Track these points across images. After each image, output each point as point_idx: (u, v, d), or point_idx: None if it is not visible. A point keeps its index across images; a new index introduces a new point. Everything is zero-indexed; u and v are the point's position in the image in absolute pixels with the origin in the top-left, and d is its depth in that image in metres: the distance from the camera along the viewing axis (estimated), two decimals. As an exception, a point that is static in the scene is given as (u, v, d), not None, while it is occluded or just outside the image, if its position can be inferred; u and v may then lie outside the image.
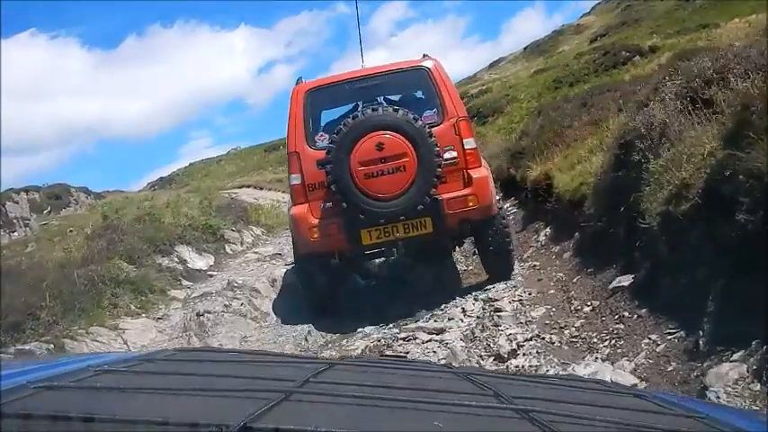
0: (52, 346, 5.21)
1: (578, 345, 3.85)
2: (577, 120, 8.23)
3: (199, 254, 8.80)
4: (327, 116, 5.95)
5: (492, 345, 4.12)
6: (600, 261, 4.93)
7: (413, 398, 0.78)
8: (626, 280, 4.23)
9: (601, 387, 1.15)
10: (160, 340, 5.81)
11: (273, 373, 0.96)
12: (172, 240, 8.49)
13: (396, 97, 5.91)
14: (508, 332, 4.26)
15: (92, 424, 0.60)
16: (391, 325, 5.15)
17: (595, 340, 3.80)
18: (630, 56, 19.65)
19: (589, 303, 4.43)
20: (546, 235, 6.72)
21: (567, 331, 4.11)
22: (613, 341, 3.65)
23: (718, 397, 2.42)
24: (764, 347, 2.54)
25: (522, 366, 3.68)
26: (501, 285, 5.51)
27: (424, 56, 5.64)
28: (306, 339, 5.27)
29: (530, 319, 4.53)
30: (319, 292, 5.54)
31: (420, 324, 4.92)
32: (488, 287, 5.53)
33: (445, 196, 5.11)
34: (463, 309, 5.07)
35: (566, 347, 3.88)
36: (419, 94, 5.76)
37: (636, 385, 2.90)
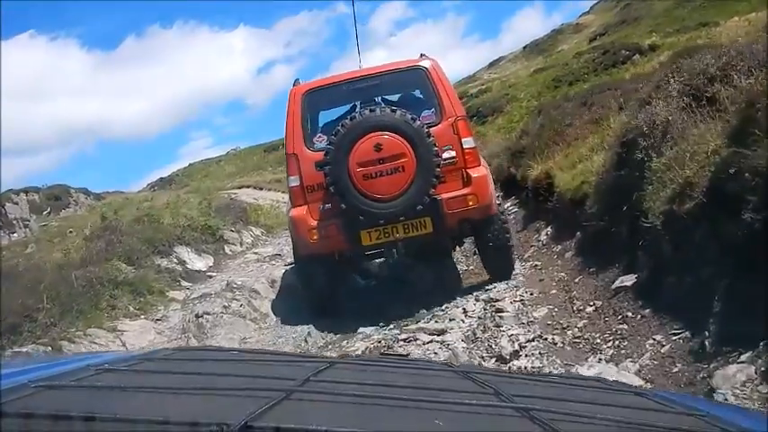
0: (49, 348, 5.17)
1: (581, 346, 3.80)
2: (578, 118, 8.19)
3: (198, 255, 8.76)
4: (325, 117, 5.94)
5: (494, 346, 4.07)
6: (602, 260, 4.88)
7: (413, 396, 0.78)
8: (629, 280, 4.18)
9: (601, 385, 1.14)
10: (159, 342, 5.76)
11: (274, 371, 0.96)
12: (171, 241, 8.47)
13: (394, 97, 5.89)
14: (510, 333, 4.22)
15: (93, 423, 0.60)
16: (392, 326, 5.11)
17: (599, 341, 3.75)
18: (630, 54, 19.56)
19: (592, 303, 4.38)
20: (547, 234, 6.67)
21: (569, 332, 4.06)
22: (617, 342, 3.60)
23: (725, 399, 2.37)
24: (772, 348, 2.49)
25: (525, 368, 3.63)
26: (502, 285, 5.46)
27: (422, 55, 5.61)
28: (305, 341, 5.23)
29: (532, 319, 4.49)
30: (319, 292, 5.51)
31: (421, 325, 4.88)
32: (489, 287, 5.48)
33: (444, 196, 5.08)
34: (464, 309, 5.02)
35: (568, 348, 3.83)
36: (417, 93, 5.74)
37: (640, 387, 2.85)
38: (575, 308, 4.47)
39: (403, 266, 6.48)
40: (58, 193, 31.25)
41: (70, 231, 10.46)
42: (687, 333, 3.17)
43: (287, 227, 7.08)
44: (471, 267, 6.51)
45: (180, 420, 0.62)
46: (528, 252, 6.63)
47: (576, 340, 3.90)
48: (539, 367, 3.61)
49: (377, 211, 4.92)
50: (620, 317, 3.90)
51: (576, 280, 5.05)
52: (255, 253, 9.25)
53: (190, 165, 44.23)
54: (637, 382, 2.96)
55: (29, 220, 26.60)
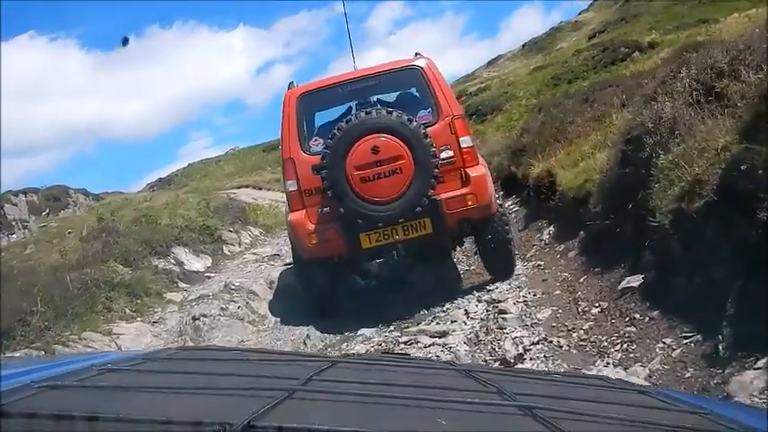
0: (43, 352, 5.07)
1: (588, 349, 3.69)
2: (580, 116, 8.07)
3: (196, 255, 8.67)
4: (321, 120, 5.88)
5: (497, 349, 3.98)
6: (607, 260, 4.78)
7: (416, 395, 0.78)
8: (635, 280, 4.07)
9: (604, 383, 1.14)
10: (155, 345, 5.66)
11: (276, 371, 0.96)
12: (168, 242, 8.37)
13: (390, 98, 5.83)
14: (514, 335, 4.12)
15: (96, 423, 0.61)
16: (392, 327, 5.02)
17: (606, 344, 3.64)
18: (629, 52, 19.47)
19: (597, 305, 4.27)
20: (549, 233, 6.56)
21: (575, 334, 3.95)
22: (625, 345, 3.49)
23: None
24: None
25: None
26: (504, 286, 5.37)
27: (417, 54, 5.54)
28: (304, 343, 5.14)
29: (536, 321, 4.39)
30: (319, 292, 5.46)
31: (422, 327, 4.78)
32: (491, 288, 5.39)
33: (443, 196, 5.04)
34: (466, 311, 4.93)
35: (574, 351, 3.73)
36: (413, 93, 5.68)
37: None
38: (580, 309, 4.36)
39: (403, 266, 6.40)
40: (57, 193, 31.17)
41: (69, 232, 10.35)
42: (699, 336, 3.06)
43: (285, 227, 7.00)
44: (473, 267, 6.41)
45: (183, 420, 0.62)
46: (530, 252, 6.52)
47: (582, 343, 3.79)
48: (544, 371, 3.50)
49: (375, 214, 4.89)
50: (627, 319, 3.79)
51: (581, 280, 4.94)
52: (254, 253, 9.16)
53: (189, 165, 44.13)
54: (647, 387, 2.86)
55: (28, 221, 26.55)
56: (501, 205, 5.92)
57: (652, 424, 0.79)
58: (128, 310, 6.40)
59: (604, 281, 4.60)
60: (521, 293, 5.08)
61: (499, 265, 5.62)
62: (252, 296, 6.62)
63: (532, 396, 0.86)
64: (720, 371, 2.67)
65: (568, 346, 3.81)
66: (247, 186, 18.80)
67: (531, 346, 3.88)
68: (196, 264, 8.40)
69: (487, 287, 5.44)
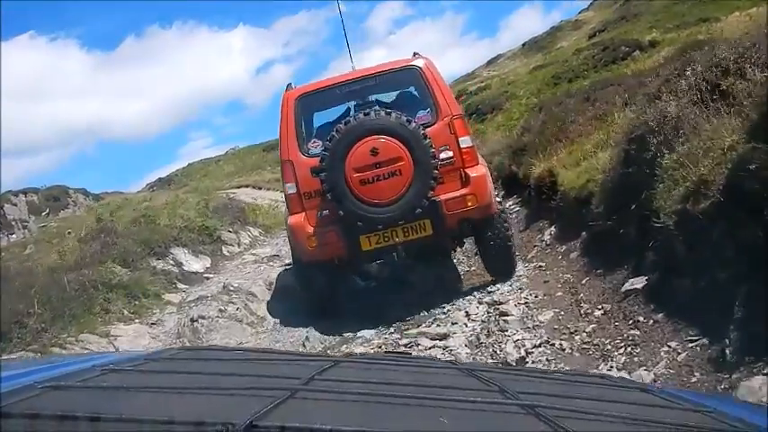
0: (39, 355, 5.01)
1: (591, 352, 3.62)
2: (581, 115, 8.01)
3: (195, 256, 8.61)
4: (320, 121, 5.84)
5: (499, 351, 3.92)
6: (609, 262, 4.71)
7: (418, 394, 0.78)
8: (639, 282, 4.00)
9: (606, 382, 1.14)
10: (153, 347, 5.60)
11: (278, 371, 0.96)
12: (167, 242, 8.32)
13: (388, 98, 5.78)
14: (515, 338, 4.06)
15: (98, 423, 0.61)
16: (392, 329, 4.97)
17: (609, 347, 3.57)
18: (630, 51, 19.44)
19: (600, 307, 4.20)
20: (551, 234, 6.50)
21: (577, 337, 3.88)
22: (629, 348, 3.42)
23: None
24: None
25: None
26: (506, 287, 5.31)
27: (415, 54, 5.49)
28: (303, 345, 5.09)
29: (537, 323, 4.32)
30: (319, 293, 5.43)
31: (422, 329, 4.73)
32: (492, 289, 5.33)
33: (443, 197, 5.00)
34: (467, 312, 4.87)
35: (577, 354, 3.66)
36: (411, 94, 5.64)
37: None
38: (582, 311, 4.29)
39: (403, 267, 6.35)
40: (57, 193, 31.18)
41: (69, 232, 10.31)
42: (704, 340, 2.99)
43: (285, 227, 6.96)
44: (473, 268, 6.35)
45: (185, 420, 0.62)
46: (531, 252, 6.46)
47: (585, 346, 3.72)
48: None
49: (375, 217, 4.84)
50: (630, 321, 3.72)
51: (583, 282, 4.87)
52: (253, 254, 9.12)
53: (189, 165, 44.16)
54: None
55: (28, 221, 26.56)
56: (501, 205, 5.87)
57: (655, 422, 0.78)
58: (125, 312, 6.34)
59: (607, 282, 4.53)
60: (522, 295, 5.02)
61: (500, 266, 5.57)
62: (251, 297, 6.57)
63: (535, 395, 0.85)
64: (728, 376, 2.61)
65: (571, 349, 3.74)
66: (247, 186, 18.80)
67: (533, 349, 3.82)
68: (195, 264, 8.34)
69: (488, 288, 5.39)
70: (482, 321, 4.59)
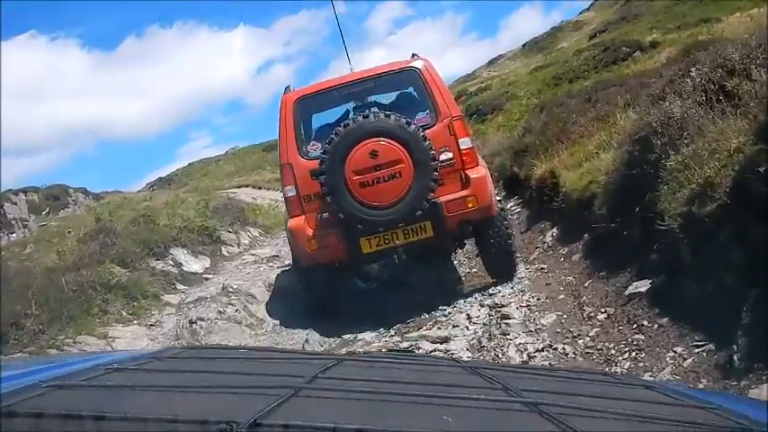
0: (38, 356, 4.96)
1: (594, 357, 3.57)
2: (583, 116, 7.97)
3: (194, 256, 8.56)
4: (318, 123, 5.82)
5: (501, 355, 3.87)
6: (612, 264, 4.66)
7: (421, 392, 0.79)
8: (643, 285, 3.95)
9: (610, 379, 1.12)
10: (152, 349, 5.55)
11: (282, 369, 0.96)
12: (166, 243, 8.26)
13: (387, 100, 5.76)
14: (517, 341, 4.01)
15: (103, 422, 0.61)
16: (393, 332, 4.93)
17: (613, 352, 3.51)
18: (631, 51, 19.44)
19: (603, 310, 4.15)
20: (553, 236, 6.45)
21: (580, 341, 3.84)
22: (633, 353, 3.36)
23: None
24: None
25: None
26: (507, 290, 5.26)
27: (414, 56, 5.45)
28: (303, 348, 5.03)
29: (540, 326, 4.27)
30: (319, 294, 5.40)
31: (423, 332, 4.68)
32: (494, 291, 5.28)
33: (443, 199, 4.96)
34: (468, 315, 4.82)
35: (580, 359, 3.61)
36: (410, 95, 5.61)
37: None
38: (585, 315, 4.24)
39: (403, 269, 6.31)
40: (57, 193, 31.13)
41: (69, 231, 10.26)
42: (711, 345, 2.94)
43: (285, 228, 6.92)
44: (474, 270, 6.30)
45: (189, 419, 0.62)
46: (533, 254, 6.41)
47: (589, 350, 3.67)
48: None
49: (375, 219, 4.81)
50: (635, 325, 3.67)
51: (586, 284, 4.82)
52: (253, 254, 9.07)
53: (189, 164, 44.10)
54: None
55: (28, 221, 26.51)
56: (502, 207, 5.83)
57: (659, 419, 0.78)
58: (124, 313, 6.29)
59: (610, 285, 4.48)
60: (524, 297, 4.97)
61: (500, 268, 5.54)
62: (250, 299, 6.51)
63: (539, 392, 0.85)
64: (735, 382, 2.56)
65: (574, 353, 3.69)
66: (247, 186, 18.76)
67: (536, 353, 3.77)
68: (194, 265, 8.29)
69: (489, 290, 5.34)
70: (483, 324, 4.54)
